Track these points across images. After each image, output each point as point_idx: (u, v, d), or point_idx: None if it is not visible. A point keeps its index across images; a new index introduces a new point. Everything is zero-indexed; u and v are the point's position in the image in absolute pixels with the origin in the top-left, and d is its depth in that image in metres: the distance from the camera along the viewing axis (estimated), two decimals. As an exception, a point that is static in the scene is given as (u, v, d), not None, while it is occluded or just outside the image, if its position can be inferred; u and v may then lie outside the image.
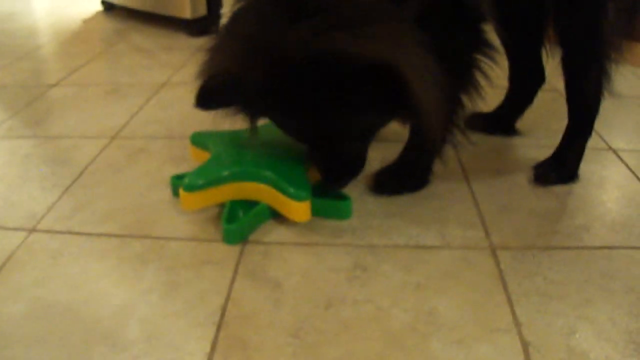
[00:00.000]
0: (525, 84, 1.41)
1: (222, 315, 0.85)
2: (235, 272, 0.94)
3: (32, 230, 1.07)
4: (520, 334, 0.80)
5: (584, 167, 1.22)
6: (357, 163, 1.06)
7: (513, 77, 1.41)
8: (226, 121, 1.01)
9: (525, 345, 0.78)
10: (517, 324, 0.82)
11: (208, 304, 0.87)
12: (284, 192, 1.01)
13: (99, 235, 1.05)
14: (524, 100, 1.43)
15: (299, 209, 1.01)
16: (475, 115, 1.44)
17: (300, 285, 0.90)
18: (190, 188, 1.03)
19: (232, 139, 1.17)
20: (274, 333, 0.81)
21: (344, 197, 1.08)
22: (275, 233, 1.04)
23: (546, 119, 1.51)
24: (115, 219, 1.09)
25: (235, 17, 0.97)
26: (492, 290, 0.89)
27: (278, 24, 0.88)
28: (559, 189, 1.17)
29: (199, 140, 1.20)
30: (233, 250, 0.99)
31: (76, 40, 2.54)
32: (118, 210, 1.12)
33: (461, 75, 1.06)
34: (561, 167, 1.21)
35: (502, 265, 0.94)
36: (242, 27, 0.95)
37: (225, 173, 1.05)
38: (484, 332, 0.80)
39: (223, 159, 1.10)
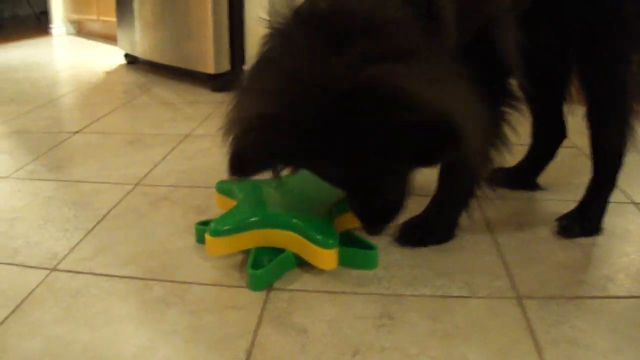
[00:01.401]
0: (547, 140, 1.42)
1: (247, 359, 0.82)
2: (260, 317, 0.93)
3: (53, 269, 1.07)
4: (551, 383, 0.78)
5: (607, 220, 1.21)
6: (398, 204, 1.02)
7: (536, 133, 1.41)
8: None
9: (558, 397, 0.75)
10: (546, 373, 0.79)
11: (232, 348, 0.85)
12: (311, 239, 1.00)
13: (121, 277, 1.04)
14: (546, 156, 1.43)
15: (326, 257, 1.00)
16: (497, 170, 1.44)
17: (327, 332, 0.89)
18: (216, 233, 1.02)
19: (258, 186, 1.17)
20: (300, 379, 0.78)
21: (371, 247, 1.07)
22: (300, 281, 1.03)
23: (567, 175, 1.52)
24: (137, 263, 1.09)
25: (264, 57, 0.92)
26: (520, 338, 0.88)
27: (318, 55, 0.83)
28: (583, 240, 1.17)
29: (224, 187, 1.20)
30: (257, 296, 0.98)
31: (98, 90, 2.59)
32: (140, 254, 1.12)
33: (490, 128, 1.05)
34: (585, 220, 1.20)
35: (529, 314, 0.93)
36: (274, 65, 0.89)
37: (252, 219, 1.05)
38: (514, 382, 0.78)
39: (249, 206, 1.10)
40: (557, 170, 1.49)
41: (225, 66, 2.54)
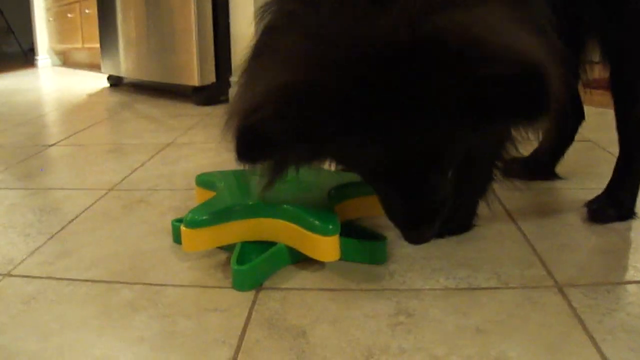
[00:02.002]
0: (565, 122, 1.26)
1: (231, 369, 0.64)
2: (248, 320, 0.75)
3: (7, 274, 0.90)
4: (617, 378, 0.60)
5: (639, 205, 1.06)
6: (446, 199, 0.78)
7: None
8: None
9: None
10: (610, 367, 0.63)
11: (213, 356, 0.68)
12: (307, 226, 0.83)
13: (83, 281, 0.87)
14: (564, 140, 1.27)
15: (327, 246, 0.83)
16: (512, 161, 1.28)
17: (330, 334, 0.71)
18: (193, 224, 0.85)
19: (242, 174, 1.00)
20: (298, 390, 0.60)
21: (379, 237, 0.89)
22: (295, 278, 0.86)
23: (586, 165, 1.39)
24: (104, 265, 0.91)
25: (273, 25, 0.72)
26: (569, 330, 0.72)
27: (358, 9, 0.63)
28: (617, 225, 1.03)
29: (205, 180, 1.03)
30: (244, 297, 0.81)
31: (79, 110, 2.44)
32: (108, 257, 0.94)
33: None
34: (617, 203, 1.06)
35: (575, 304, 0.78)
36: (294, 30, 0.68)
37: (235, 207, 0.87)
38: (573, 381, 0.60)
39: (233, 193, 0.93)
40: (574, 162, 1.35)
41: (211, 78, 2.40)
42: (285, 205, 0.86)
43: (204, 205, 0.89)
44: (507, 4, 0.70)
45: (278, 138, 0.65)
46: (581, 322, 0.73)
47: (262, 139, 0.66)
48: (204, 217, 0.86)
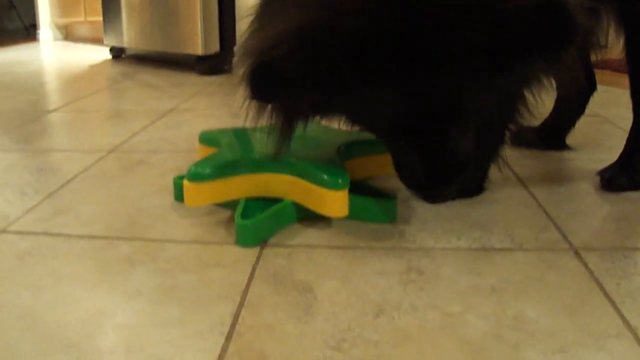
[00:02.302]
0: (577, 91, 1.22)
1: (234, 324, 0.62)
2: (252, 276, 0.71)
3: (1, 231, 0.87)
4: (637, 338, 0.60)
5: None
6: (467, 158, 0.75)
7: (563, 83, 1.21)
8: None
9: (650, 354, 0.55)
10: (629, 327, 0.62)
11: (214, 311, 0.64)
12: (315, 180, 0.79)
13: (80, 236, 0.83)
14: (575, 109, 1.23)
15: (335, 200, 0.79)
16: (522, 130, 1.25)
17: (339, 290, 0.68)
18: (197, 177, 0.81)
19: (246, 130, 0.96)
20: (306, 345, 0.58)
21: (389, 196, 0.85)
22: (301, 236, 0.82)
23: (596, 138, 1.35)
24: (101, 222, 0.88)
25: None
26: (587, 292, 0.69)
27: None
28: (631, 194, 0.99)
29: (209, 137, 0.99)
30: (248, 253, 0.77)
31: (81, 79, 2.40)
32: (107, 214, 0.91)
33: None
34: (631, 172, 1.02)
35: (592, 266, 0.75)
36: None
37: (241, 161, 0.84)
38: (592, 339, 0.59)
39: (236, 149, 0.89)
40: (584, 135, 1.32)
41: (215, 47, 2.35)
42: (292, 160, 0.82)
43: (208, 159, 0.85)
44: None
45: (293, 77, 0.62)
46: (599, 284, 0.70)
47: (277, 77, 0.62)
48: (208, 171, 0.82)
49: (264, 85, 0.64)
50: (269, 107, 0.74)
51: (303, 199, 0.82)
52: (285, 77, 0.62)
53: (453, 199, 0.95)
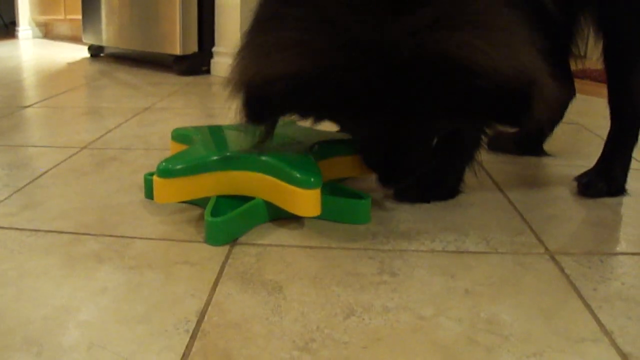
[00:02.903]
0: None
1: (199, 322, 0.60)
2: (220, 274, 0.70)
3: (-36, 226, 0.82)
4: (614, 343, 0.59)
5: (631, 184, 1.04)
6: (426, 157, 0.85)
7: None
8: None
9: (624, 357, 0.56)
10: (606, 332, 0.61)
11: (180, 308, 0.62)
12: (287, 178, 0.77)
13: (47, 231, 0.81)
14: (554, 117, 1.23)
15: (308, 200, 0.77)
16: (500, 135, 1.25)
17: (309, 290, 0.66)
18: (166, 173, 0.79)
19: (219, 127, 0.94)
20: (273, 345, 0.56)
21: (362, 196, 0.84)
22: (273, 235, 0.80)
23: (574, 145, 1.36)
24: (70, 217, 0.86)
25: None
26: (563, 297, 0.68)
27: (375, 14, 0.67)
28: (608, 200, 1.00)
29: (181, 134, 0.97)
30: (217, 251, 0.76)
31: (58, 76, 2.36)
32: (76, 210, 0.88)
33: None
34: (608, 177, 1.02)
35: (568, 271, 0.74)
36: (314, 14, 0.71)
37: (211, 158, 0.82)
38: (568, 343, 0.57)
39: (209, 145, 0.87)
40: (562, 142, 1.33)
41: (193, 47, 2.33)
42: (264, 157, 0.81)
43: (178, 155, 0.83)
44: (509, 24, 0.73)
45: (285, 110, 0.76)
46: (575, 289, 0.69)
47: (271, 108, 0.74)
48: (178, 167, 0.80)
49: (258, 114, 0.76)
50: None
51: (275, 197, 0.81)
52: (276, 108, 0.75)
53: (428, 201, 0.94)
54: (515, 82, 0.69)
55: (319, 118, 0.83)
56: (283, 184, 0.78)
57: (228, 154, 0.83)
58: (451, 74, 0.68)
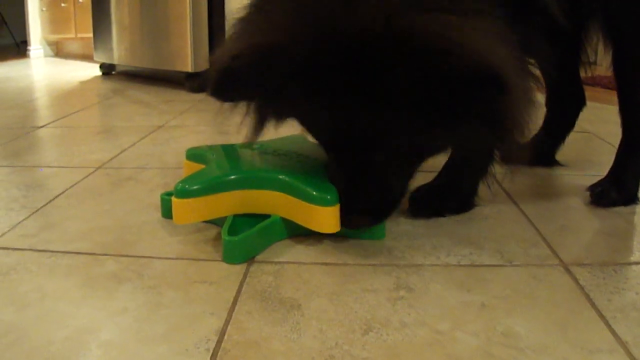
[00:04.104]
0: (566, 106, 1.22)
1: (219, 341, 0.61)
2: (239, 292, 0.71)
3: (-14, 247, 0.84)
4: (629, 353, 0.59)
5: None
6: (392, 197, 0.83)
7: (552, 100, 1.22)
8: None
9: (641, 369, 0.55)
10: (621, 343, 0.61)
11: (200, 327, 0.63)
12: (304, 196, 0.79)
13: (66, 252, 0.82)
14: (565, 125, 1.24)
15: (326, 216, 0.78)
16: (513, 148, 1.24)
17: (327, 307, 0.67)
18: (184, 194, 0.81)
19: (234, 147, 0.96)
20: (292, 362, 0.56)
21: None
22: (290, 253, 0.81)
23: (586, 154, 1.36)
24: (88, 238, 0.87)
25: None
26: (578, 308, 0.68)
27: None
28: (621, 209, 1.00)
29: (195, 154, 0.98)
30: (235, 269, 0.77)
31: (70, 95, 2.39)
32: (93, 230, 0.90)
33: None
34: (621, 186, 1.02)
35: (582, 282, 0.74)
36: (290, 4, 0.73)
37: (229, 177, 0.83)
38: (583, 354, 0.58)
39: (225, 164, 0.88)
40: (575, 152, 1.33)
41: (204, 64, 2.35)
42: (281, 176, 0.82)
43: (195, 176, 0.85)
44: (491, 18, 0.72)
45: (246, 83, 0.73)
46: (589, 300, 0.69)
47: (233, 82, 0.73)
48: (196, 187, 0.81)
49: (223, 87, 0.75)
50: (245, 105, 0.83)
51: (293, 214, 0.82)
52: (240, 82, 0.73)
53: (442, 215, 0.95)
54: (486, 67, 0.66)
55: (281, 106, 0.81)
56: (300, 202, 0.79)
57: (245, 173, 0.84)
58: (419, 52, 0.66)
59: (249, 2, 0.79)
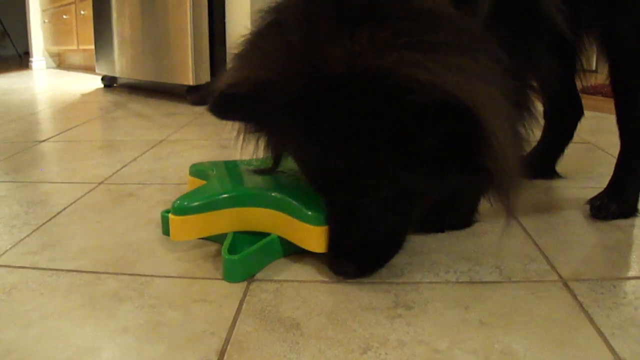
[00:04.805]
0: (564, 118, 1.23)
1: (220, 361, 0.61)
2: (238, 311, 0.71)
3: (-12, 265, 0.84)
4: (629, 372, 0.57)
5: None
6: (396, 241, 0.84)
7: (550, 111, 1.22)
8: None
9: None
10: (619, 360, 0.59)
11: (201, 347, 0.64)
12: (298, 216, 0.79)
13: (68, 271, 0.83)
14: (564, 136, 1.24)
15: (319, 236, 0.78)
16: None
17: (326, 326, 0.67)
18: (181, 211, 0.81)
19: (236, 164, 0.96)
20: (291, 382, 0.57)
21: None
22: (289, 271, 0.82)
23: (586, 166, 1.36)
24: (89, 256, 0.88)
25: (270, 26, 0.80)
26: (576, 324, 0.69)
27: (326, 32, 0.71)
28: (620, 222, 1.00)
29: (198, 170, 0.99)
30: (235, 288, 0.77)
31: (72, 108, 2.40)
32: (95, 248, 0.90)
33: (521, 103, 0.86)
34: (620, 199, 1.03)
35: (581, 298, 0.74)
36: (280, 36, 0.77)
37: (226, 195, 0.84)
38: (583, 374, 0.57)
39: (224, 182, 0.89)
40: (574, 163, 1.33)
41: (205, 77, 2.36)
42: (275, 194, 0.83)
43: (193, 193, 0.85)
44: (472, 48, 0.72)
45: (242, 109, 0.79)
46: (588, 316, 0.69)
47: (231, 105, 0.79)
48: (192, 204, 0.82)
49: (221, 107, 0.80)
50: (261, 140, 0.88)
51: (288, 233, 0.82)
52: (236, 106, 0.79)
53: (442, 231, 0.96)
54: (458, 104, 0.66)
55: (273, 135, 0.86)
56: (295, 220, 0.80)
57: (239, 190, 0.85)
58: (385, 88, 0.67)
59: (244, 39, 0.83)
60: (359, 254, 0.79)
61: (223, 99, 0.78)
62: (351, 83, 0.69)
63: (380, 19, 0.69)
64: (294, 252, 0.85)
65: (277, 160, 0.91)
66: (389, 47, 0.67)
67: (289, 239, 0.82)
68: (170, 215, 0.83)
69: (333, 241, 0.79)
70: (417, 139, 0.70)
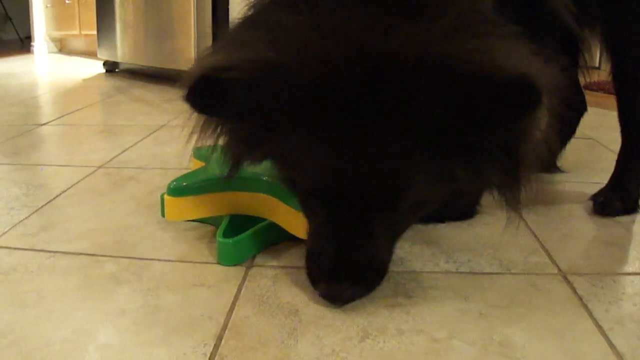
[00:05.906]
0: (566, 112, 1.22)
1: (217, 346, 0.61)
2: (237, 296, 0.71)
3: (-13, 246, 0.84)
4: (626, 367, 0.57)
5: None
6: (383, 265, 0.72)
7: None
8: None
9: (638, 382, 0.55)
10: (617, 354, 0.61)
11: (198, 331, 0.63)
12: (289, 202, 0.78)
13: (65, 253, 0.82)
14: (566, 131, 1.23)
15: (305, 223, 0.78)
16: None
17: (324, 313, 0.67)
18: (176, 192, 0.81)
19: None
20: (288, 368, 0.56)
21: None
22: (287, 256, 0.81)
23: (588, 161, 1.35)
24: (88, 238, 0.87)
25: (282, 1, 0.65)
26: (575, 318, 0.68)
27: (375, 13, 0.60)
28: (622, 218, 1.00)
29: (202, 153, 0.99)
30: (234, 273, 0.77)
31: (73, 93, 2.39)
32: (93, 231, 0.90)
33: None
34: (624, 195, 1.02)
35: (580, 292, 0.74)
36: (300, 9, 0.62)
37: (218, 178, 0.83)
38: (581, 368, 0.57)
39: (220, 165, 0.88)
40: (576, 158, 1.33)
41: (209, 63, 2.33)
42: (267, 179, 0.82)
43: (189, 175, 0.86)
44: (513, 34, 0.65)
45: (236, 98, 0.61)
46: (587, 310, 0.69)
47: (219, 95, 0.61)
48: (187, 185, 0.82)
49: (204, 96, 0.62)
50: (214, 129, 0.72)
51: (278, 218, 0.82)
52: (228, 98, 0.61)
53: (442, 221, 0.95)
54: (515, 78, 0.58)
55: (269, 139, 0.67)
56: (285, 205, 0.80)
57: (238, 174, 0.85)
58: (455, 79, 0.58)
59: (251, 1, 0.70)
60: (365, 272, 0.68)
61: (207, 84, 0.61)
62: (421, 72, 0.58)
63: (422, 6, 0.61)
64: (290, 238, 0.84)
65: (236, 166, 0.75)
66: (455, 34, 0.60)
67: (280, 224, 0.82)
68: (165, 196, 0.83)
69: (331, 265, 0.67)
70: (477, 114, 0.60)
